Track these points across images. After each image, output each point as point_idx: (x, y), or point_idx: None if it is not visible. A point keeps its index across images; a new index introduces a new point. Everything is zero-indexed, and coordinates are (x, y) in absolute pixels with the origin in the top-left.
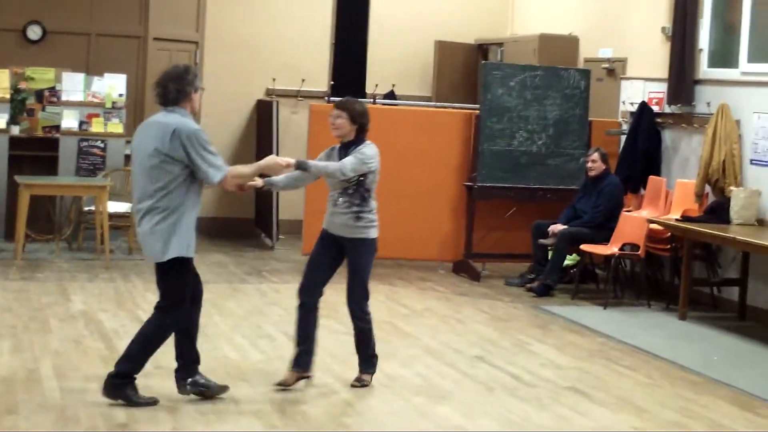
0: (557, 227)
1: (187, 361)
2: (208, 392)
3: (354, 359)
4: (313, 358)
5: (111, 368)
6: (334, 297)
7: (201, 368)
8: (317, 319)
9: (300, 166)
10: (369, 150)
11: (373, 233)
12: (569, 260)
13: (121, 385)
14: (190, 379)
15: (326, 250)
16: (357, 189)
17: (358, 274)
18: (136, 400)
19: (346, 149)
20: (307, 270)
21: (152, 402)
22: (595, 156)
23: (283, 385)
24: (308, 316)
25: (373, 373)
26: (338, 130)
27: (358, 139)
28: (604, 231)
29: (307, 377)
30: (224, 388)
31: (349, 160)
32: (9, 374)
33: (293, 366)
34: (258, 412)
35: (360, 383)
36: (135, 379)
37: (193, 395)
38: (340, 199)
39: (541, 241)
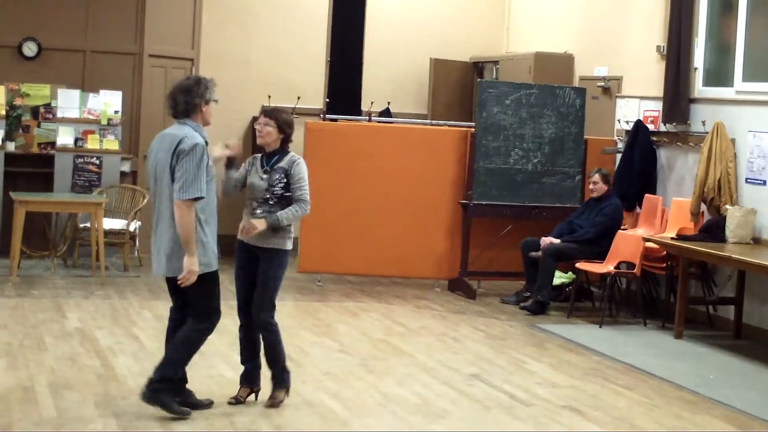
0: (547, 240)
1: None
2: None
3: (352, 376)
4: (259, 372)
5: (107, 386)
6: (329, 315)
7: (197, 386)
8: (259, 336)
9: (273, 223)
10: (302, 169)
11: (289, 245)
12: (565, 278)
13: (161, 389)
14: (177, 398)
15: (247, 264)
16: (278, 201)
17: (267, 284)
18: (170, 407)
19: (269, 158)
20: (236, 289)
21: (185, 414)
22: (596, 177)
23: (237, 401)
24: (248, 336)
25: (286, 389)
26: (264, 138)
27: (283, 149)
28: (593, 248)
29: (257, 390)
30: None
31: (304, 194)
32: (4, 392)
33: (242, 382)
34: (253, 429)
35: (272, 401)
36: (174, 384)
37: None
38: (259, 210)
39: (532, 254)
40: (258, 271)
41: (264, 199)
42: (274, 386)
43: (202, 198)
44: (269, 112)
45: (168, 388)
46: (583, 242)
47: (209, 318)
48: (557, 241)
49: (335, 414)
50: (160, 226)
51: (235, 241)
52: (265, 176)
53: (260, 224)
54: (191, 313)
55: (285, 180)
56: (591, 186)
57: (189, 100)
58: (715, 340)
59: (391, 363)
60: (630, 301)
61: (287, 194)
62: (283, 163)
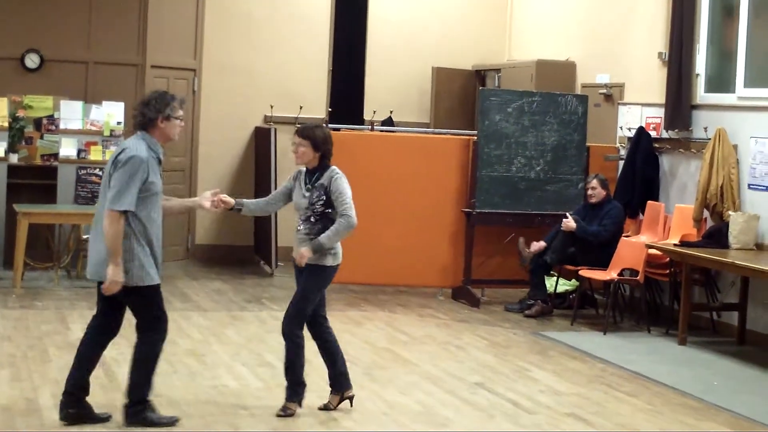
0: (539, 245)
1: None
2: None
3: (355, 385)
4: (345, 376)
5: (110, 396)
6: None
7: (201, 397)
8: (329, 341)
9: (317, 249)
10: (343, 184)
11: (330, 261)
12: (568, 286)
13: (140, 411)
14: (72, 409)
15: (297, 281)
16: (320, 219)
17: (300, 297)
18: (158, 422)
19: (311, 175)
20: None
21: (173, 421)
22: (594, 183)
23: (326, 409)
24: (321, 345)
25: (298, 401)
26: (301, 158)
27: (322, 165)
28: (602, 253)
29: (351, 396)
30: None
31: (348, 211)
32: (8, 404)
33: (331, 389)
34: None
35: (284, 412)
36: (149, 401)
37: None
38: (301, 226)
39: (523, 256)
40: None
41: (306, 217)
42: (287, 397)
43: (128, 211)
44: (303, 131)
45: (145, 408)
46: (594, 237)
47: (154, 328)
48: (573, 224)
49: (338, 423)
50: (93, 232)
51: (216, 251)
52: (307, 194)
53: (306, 253)
54: (137, 329)
55: (325, 197)
56: (589, 191)
57: (144, 112)
58: (718, 346)
59: (395, 371)
60: (634, 308)
61: (328, 210)
62: (323, 180)
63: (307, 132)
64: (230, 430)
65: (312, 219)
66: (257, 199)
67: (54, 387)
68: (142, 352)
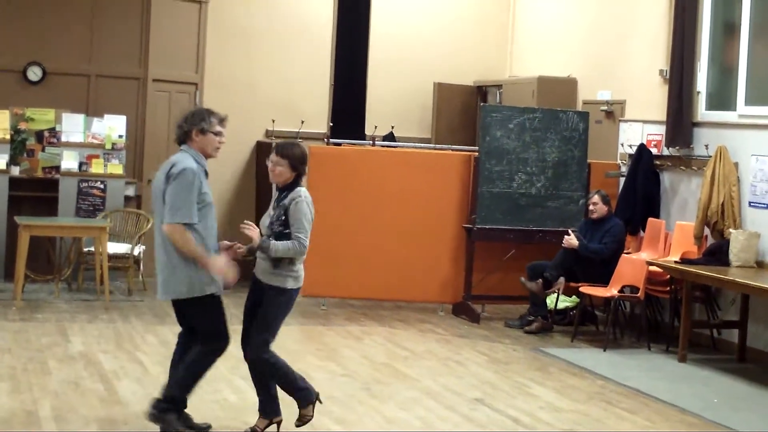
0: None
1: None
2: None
3: (355, 400)
4: (277, 401)
5: (109, 411)
6: (333, 339)
7: (203, 411)
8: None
9: (262, 247)
10: (304, 208)
11: (290, 283)
12: (569, 302)
13: (166, 410)
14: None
15: (256, 298)
16: (278, 239)
17: (262, 323)
18: (175, 428)
19: (280, 193)
20: (243, 322)
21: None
22: (596, 198)
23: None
24: (252, 368)
25: (310, 402)
26: (278, 177)
27: (294, 184)
28: (599, 269)
29: (279, 421)
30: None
31: (299, 236)
32: (7, 416)
33: (260, 414)
34: None
35: (302, 422)
36: (180, 407)
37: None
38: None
39: (526, 282)
40: (259, 309)
41: (267, 236)
42: (300, 406)
43: (192, 223)
44: (281, 150)
45: (173, 408)
46: (596, 254)
47: (213, 341)
48: (575, 242)
49: None
50: (156, 252)
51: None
52: (272, 212)
53: (254, 234)
54: (198, 338)
55: (284, 217)
56: (591, 207)
57: (183, 125)
58: (719, 363)
59: (395, 387)
60: (634, 324)
61: (287, 231)
62: (286, 200)
63: (286, 151)
64: None
65: (272, 238)
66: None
67: (54, 399)
68: (194, 360)
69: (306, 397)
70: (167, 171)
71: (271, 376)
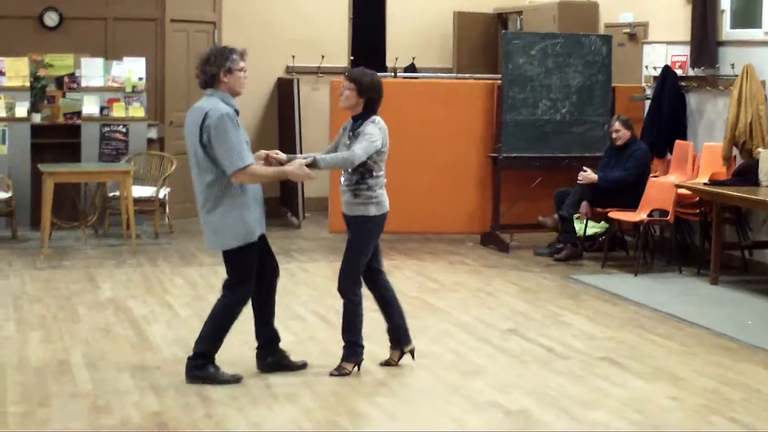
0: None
1: (260, 340)
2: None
3: (386, 337)
4: (403, 331)
5: (141, 356)
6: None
7: (234, 352)
8: (385, 295)
9: (313, 165)
10: (372, 128)
11: (372, 210)
12: (597, 228)
13: (201, 365)
14: (269, 358)
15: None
16: (356, 168)
17: (349, 253)
18: (219, 379)
19: (354, 122)
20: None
21: (236, 380)
22: (617, 125)
23: (388, 364)
24: (377, 299)
25: (355, 362)
26: (344, 102)
27: (366, 113)
28: (626, 195)
29: (411, 350)
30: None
31: (357, 146)
32: (40, 365)
33: (391, 345)
34: (291, 395)
35: (338, 372)
36: (214, 358)
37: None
38: (342, 177)
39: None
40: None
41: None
42: (344, 357)
43: (250, 164)
44: (351, 74)
45: (206, 363)
46: (618, 184)
47: (237, 291)
48: (594, 177)
49: (371, 375)
50: (198, 203)
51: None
52: (347, 143)
53: (309, 172)
54: (224, 282)
55: None
56: (613, 134)
57: (206, 70)
58: (751, 285)
59: (426, 321)
60: (664, 248)
61: (366, 160)
62: (362, 128)
63: (355, 75)
64: (262, 385)
65: (350, 169)
66: (324, 154)
67: (85, 347)
68: (217, 311)
69: (356, 354)
70: (201, 122)
71: (345, 311)
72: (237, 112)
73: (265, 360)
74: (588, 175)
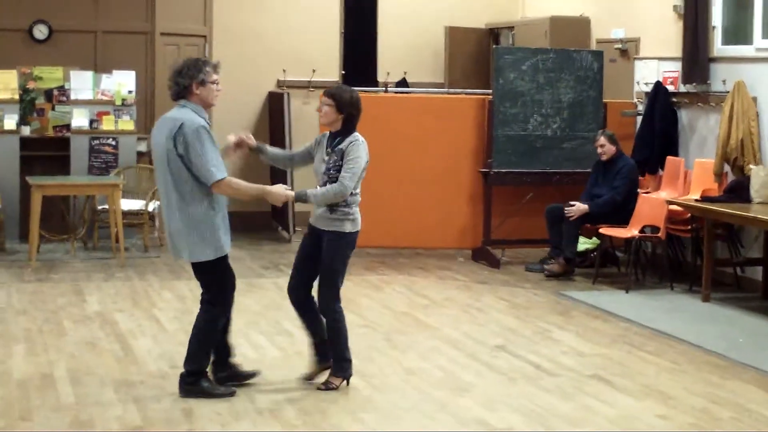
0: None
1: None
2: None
3: (375, 353)
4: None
5: (126, 369)
6: (351, 289)
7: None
8: (316, 313)
9: (299, 197)
10: (356, 151)
11: (348, 227)
12: (589, 244)
13: (194, 382)
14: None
15: (311, 244)
16: (335, 182)
17: (327, 270)
18: (215, 393)
19: (333, 139)
20: (293, 267)
21: (230, 393)
22: (602, 140)
23: (308, 379)
24: (305, 315)
25: (343, 377)
26: (324, 118)
27: (346, 129)
28: (618, 212)
29: (330, 366)
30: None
31: (346, 177)
32: (23, 378)
33: (315, 360)
34: (275, 411)
35: (326, 386)
36: (206, 372)
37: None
38: (318, 189)
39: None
40: (321, 257)
41: (323, 182)
42: (332, 372)
43: (226, 177)
44: (329, 91)
45: (199, 379)
46: (608, 206)
47: (215, 305)
48: (584, 207)
49: (358, 391)
50: (166, 213)
51: (232, 217)
52: (326, 158)
53: (289, 194)
54: (201, 297)
55: (340, 162)
56: (599, 149)
57: (180, 81)
58: (743, 302)
59: (415, 337)
60: (656, 265)
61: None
62: (342, 145)
63: (333, 91)
64: (246, 400)
65: (328, 185)
66: (275, 152)
67: (70, 361)
68: (199, 328)
69: (343, 369)
70: (173, 131)
71: (329, 329)
72: (209, 125)
73: (216, 375)
74: (578, 208)
